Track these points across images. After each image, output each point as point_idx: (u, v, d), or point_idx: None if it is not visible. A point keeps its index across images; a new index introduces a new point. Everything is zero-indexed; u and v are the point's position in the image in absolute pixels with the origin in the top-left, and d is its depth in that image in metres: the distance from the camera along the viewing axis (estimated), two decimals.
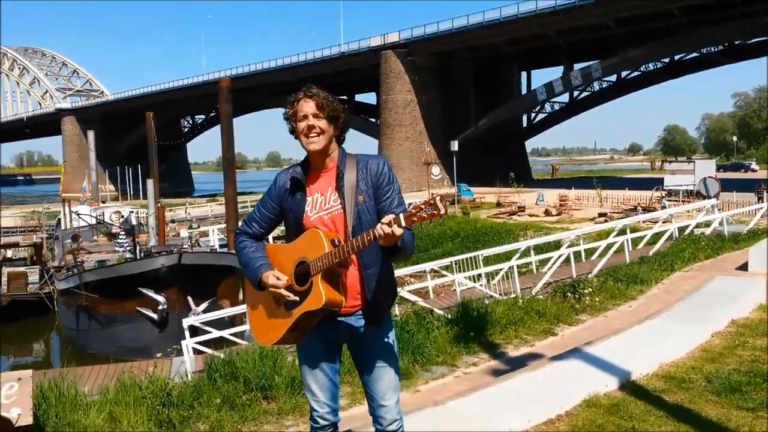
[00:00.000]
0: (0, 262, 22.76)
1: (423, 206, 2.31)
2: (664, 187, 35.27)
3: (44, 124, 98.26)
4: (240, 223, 2.90)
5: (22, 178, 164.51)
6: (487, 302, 8.28)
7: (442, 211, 2.26)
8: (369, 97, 70.94)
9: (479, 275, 11.81)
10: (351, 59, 59.22)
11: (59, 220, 31.65)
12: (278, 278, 2.59)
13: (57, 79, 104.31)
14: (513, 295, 9.66)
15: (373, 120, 61.94)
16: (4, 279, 20.91)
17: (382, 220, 2.36)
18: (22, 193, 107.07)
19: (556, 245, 13.39)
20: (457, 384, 5.50)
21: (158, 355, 12.06)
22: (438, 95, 55.83)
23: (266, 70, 67.23)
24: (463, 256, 12.48)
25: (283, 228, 2.87)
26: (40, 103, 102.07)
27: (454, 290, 11.94)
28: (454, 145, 37.51)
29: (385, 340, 2.75)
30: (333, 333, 2.71)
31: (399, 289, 11.77)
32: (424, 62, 54.47)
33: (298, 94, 2.67)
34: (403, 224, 2.33)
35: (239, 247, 2.78)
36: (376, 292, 2.63)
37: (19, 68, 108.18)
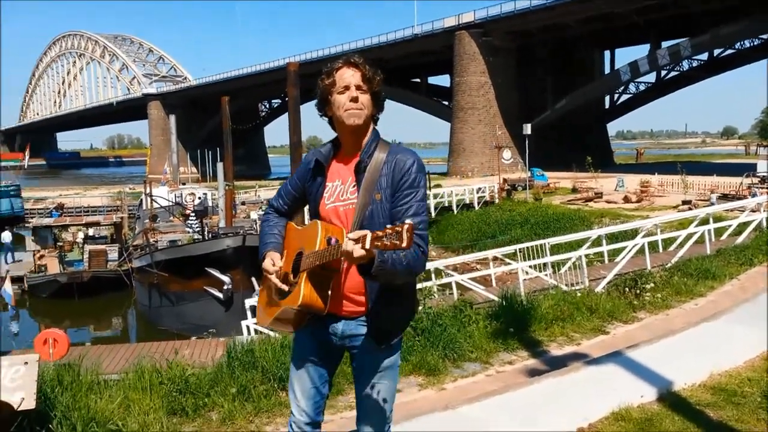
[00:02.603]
0: (83, 239, 24.03)
1: (390, 231, 1.91)
2: (757, 174, 32.93)
3: (132, 109, 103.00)
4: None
5: (112, 159, 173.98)
6: (534, 294, 7.84)
7: (404, 245, 1.85)
8: (442, 80, 70.00)
9: (545, 264, 11.30)
10: (424, 41, 58.32)
11: (141, 200, 33.18)
12: (273, 263, 2.35)
13: (144, 65, 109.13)
14: (580, 287, 9.17)
15: (446, 103, 61.05)
16: (86, 256, 22.06)
17: (350, 236, 2.00)
18: (112, 173, 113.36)
19: (633, 234, 12.60)
20: (488, 383, 5.17)
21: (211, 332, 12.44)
22: (514, 77, 54.24)
23: (340, 53, 67.31)
24: (530, 244, 11.97)
25: None
26: (128, 89, 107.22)
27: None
28: (527, 129, 36.41)
29: (386, 362, 2.39)
30: (325, 335, 2.40)
31: (460, 276, 11.56)
32: (500, 43, 52.88)
33: (337, 63, 2.34)
34: (368, 246, 1.92)
35: (263, 219, 2.58)
36: (382, 305, 2.29)
37: (110, 55, 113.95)
